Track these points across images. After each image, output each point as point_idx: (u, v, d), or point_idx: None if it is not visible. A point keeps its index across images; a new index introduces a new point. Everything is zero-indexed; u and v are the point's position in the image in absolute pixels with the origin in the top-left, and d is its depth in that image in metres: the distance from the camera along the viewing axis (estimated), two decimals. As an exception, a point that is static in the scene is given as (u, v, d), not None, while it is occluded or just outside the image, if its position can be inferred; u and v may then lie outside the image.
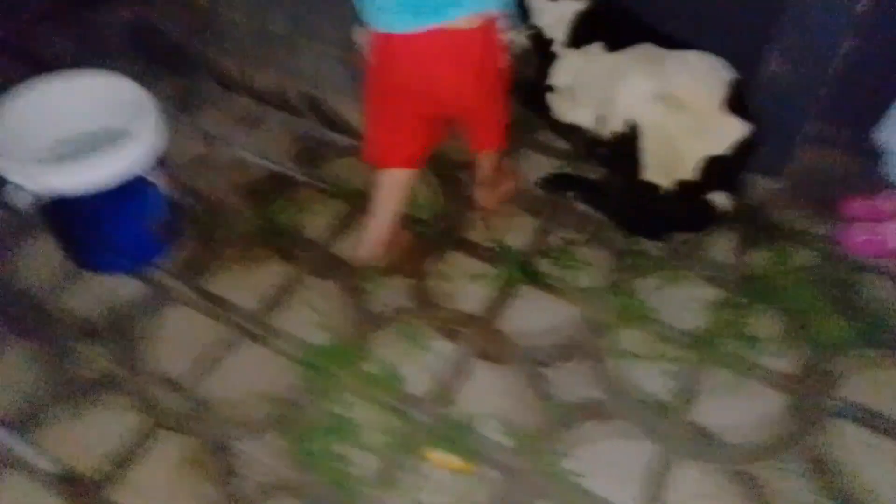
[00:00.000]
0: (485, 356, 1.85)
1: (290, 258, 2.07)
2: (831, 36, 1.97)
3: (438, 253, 2.09)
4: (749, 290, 1.98)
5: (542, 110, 2.34)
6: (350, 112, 2.43)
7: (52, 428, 1.69)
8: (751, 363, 1.82)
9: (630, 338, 1.88)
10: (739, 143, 1.98)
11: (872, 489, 1.58)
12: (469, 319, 1.92)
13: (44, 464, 1.62)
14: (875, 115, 1.97)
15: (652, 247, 2.11)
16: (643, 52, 2.08)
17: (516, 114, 2.13)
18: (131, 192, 1.87)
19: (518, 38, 2.26)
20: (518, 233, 2.16)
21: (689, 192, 2.05)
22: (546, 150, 2.44)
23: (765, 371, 1.80)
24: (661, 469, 1.62)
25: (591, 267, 2.06)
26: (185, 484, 1.59)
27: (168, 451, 1.65)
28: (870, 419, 1.71)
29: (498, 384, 1.79)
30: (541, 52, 2.27)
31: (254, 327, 1.89)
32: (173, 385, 1.76)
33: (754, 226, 2.16)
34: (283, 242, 2.11)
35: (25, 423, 1.70)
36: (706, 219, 2.11)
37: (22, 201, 1.76)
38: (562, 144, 2.44)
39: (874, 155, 2.00)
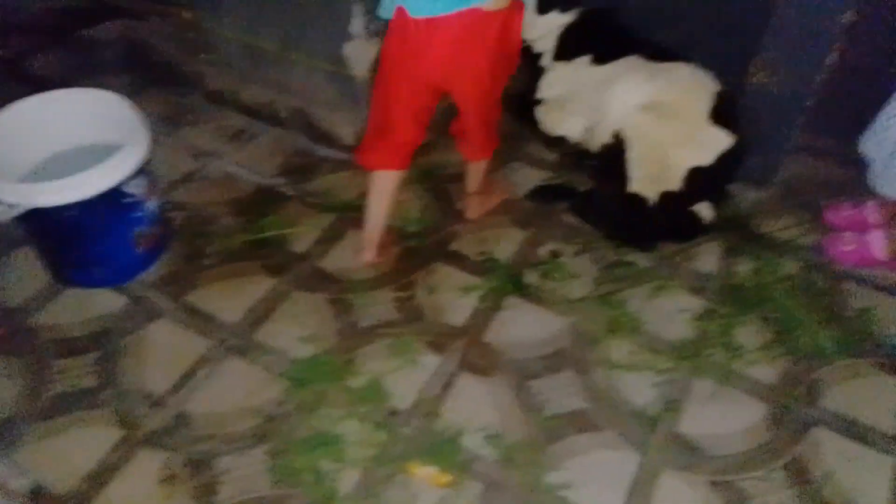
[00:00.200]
0: (472, 369, 1.84)
1: (277, 272, 2.07)
2: (816, 47, 1.98)
3: (427, 265, 2.10)
4: (734, 299, 1.98)
5: (532, 123, 2.36)
6: (340, 127, 2.44)
7: (31, 445, 1.68)
8: (735, 373, 1.82)
9: (618, 349, 1.88)
10: (725, 154, 1.99)
11: (855, 498, 1.57)
12: (457, 332, 1.92)
13: (20, 482, 1.60)
14: (860, 125, 1.99)
15: (640, 258, 2.11)
16: (630, 65, 2.10)
17: (506, 126, 2.15)
18: (117, 206, 1.88)
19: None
20: (507, 244, 2.17)
21: (676, 203, 2.06)
22: (535, 162, 2.46)
23: (749, 381, 1.80)
24: (648, 480, 1.61)
25: (580, 278, 2.07)
26: (165, 501, 1.57)
27: (148, 467, 1.63)
28: (851, 428, 1.70)
29: (485, 397, 1.78)
30: (529, 65, 2.28)
31: (239, 342, 1.89)
32: (155, 401, 1.76)
33: (740, 236, 2.16)
34: (270, 257, 2.11)
35: (2, 440, 1.68)
36: (692, 229, 2.12)
37: (2, 216, 1.77)
38: (551, 156, 2.46)
39: (859, 165, 2.01)
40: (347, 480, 1.60)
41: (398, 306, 1.98)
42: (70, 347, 1.88)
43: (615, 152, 2.05)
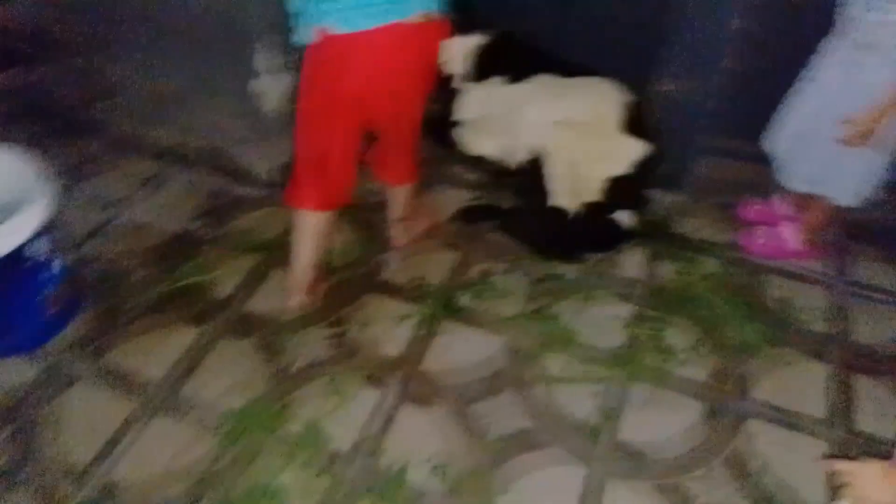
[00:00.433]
0: (412, 399, 1.81)
1: (201, 321, 1.99)
2: (711, 53, 2.08)
3: (358, 298, 2.06)
4: (661, 302, 2.03)
5: (451, 145, 2.37)
6: (254, 163, 2.39)
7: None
8: (669, 375, 1.86)
9: (555, 362, 1.89)
10: (640, 161, 2.05)
11: (792, 485, 1.62)
12: (393, 364, 1.89)
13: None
14: (762, 123, 2.08)
15: (567, 270, 2.14)
16: (543, 82, 2.14)
17: (427, 149, 2.14)
18: (20, 271, 1.76)
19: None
20: (438, 268, 2.16)
21: (597, 213, 2.10)
22: (458, 183, 2.46)
23: (682, 381, 1.84)
24: (595, 493, 1.61)
25: (512, 295, 2.07)
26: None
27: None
28: (782, 417, 1.77)
29: (428, 427, 1.75)
30: (444, 88, 2.30)
31: (164, 400, 1.79)
32: (79, 474, 1.64)
33: (661, 239, 2.22)
34: (191, 305, 2.03)
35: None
36: (615, 237, 2.16)
37: None
38: (473, 176, 2.47)
39: (766, 161, 2.10)
40: (292, 533, 1.54)
41: (331, 344, 1.94)
42: (-19, 424, 1.74)
43: (534, 169, 2.08)
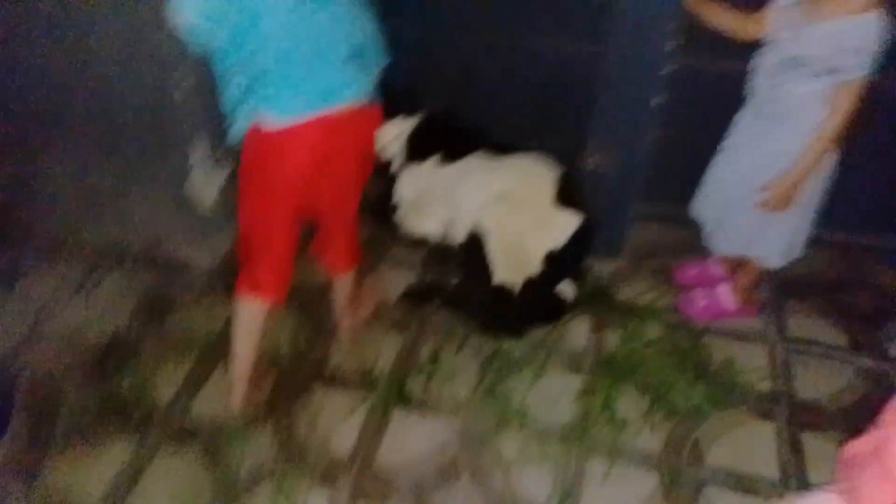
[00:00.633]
0: (366, 497, 1.75)
1: (140, 431, 1.89)
2: (634, 128, 2.17)
3: (305, 391, 2.00)
4: (609, 371, 2.04)
5: (392, 227, 2.38)
6: (192, 257, 2.34)
7: None
8: (623, 447, 1.85)
9: (509, 444, 1.87)
10: (576, 232, 2.10)
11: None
12: (345, 461, 1.83)
13: None
14: (690, 190, 2.15)
15: (515, 345, 2.14)
16: (477, 161, 2.19)
17: (368, 232, 2.14)
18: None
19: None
20: (386, 352, 2.13)
21: (539, 287, 2.12)
22: (402, 263, 2.46)
23: (636, 452, 1.84)
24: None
25: (462, 375, 2.05)
26: None
27: None
28: (738, 482, 1.77)
29: (384, 525, 1.69)
30: (381, 172, 2.32)
31: (104, 521, 1.69)
32: None
33: (603, 307, 2.25)
34: (129, 415, 1.93)
35: None
36: (559, 309, 2.18)
37: None
38: (416, 256, 2.47)
39: (698, 225, 2.16)
40: None
41: (279, 445, 1.86)
42: None
43: (475, 246, 2.10)
